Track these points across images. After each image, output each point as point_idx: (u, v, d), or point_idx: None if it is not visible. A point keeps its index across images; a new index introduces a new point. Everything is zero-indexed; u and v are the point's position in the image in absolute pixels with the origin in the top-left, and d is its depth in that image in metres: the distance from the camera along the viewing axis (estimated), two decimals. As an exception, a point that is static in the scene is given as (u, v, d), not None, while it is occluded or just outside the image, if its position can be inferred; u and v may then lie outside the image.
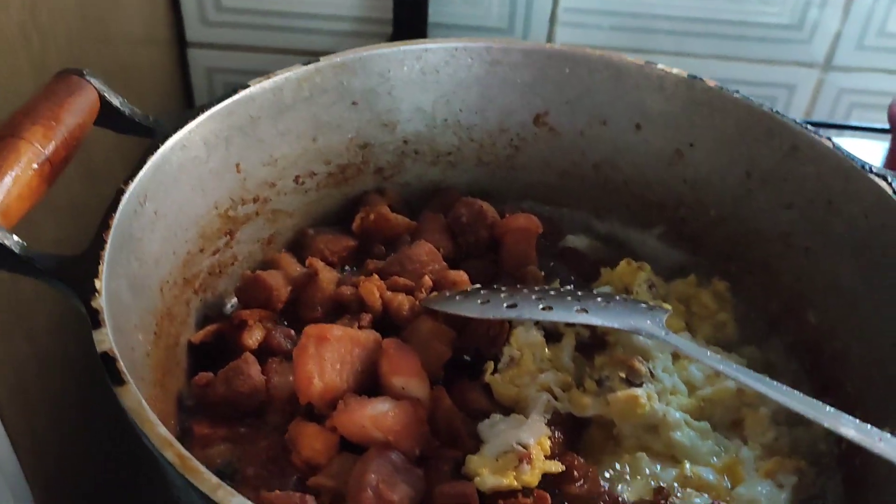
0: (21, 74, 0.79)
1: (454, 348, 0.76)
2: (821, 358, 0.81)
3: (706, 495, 0.71)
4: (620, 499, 0.70)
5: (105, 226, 0.63)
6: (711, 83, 0.86)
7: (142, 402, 0.52)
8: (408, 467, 0.66)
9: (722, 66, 1.22)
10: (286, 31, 1.26)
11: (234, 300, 0.84)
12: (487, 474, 0.67)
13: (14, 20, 0.78)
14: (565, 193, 0.96)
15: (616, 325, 0.71)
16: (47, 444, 0.96)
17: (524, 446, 0.69)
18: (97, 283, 0.59)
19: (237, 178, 0.81)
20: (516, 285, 0.81)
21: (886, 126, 1.04)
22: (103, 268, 0.60)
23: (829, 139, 0.80)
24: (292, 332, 0.79)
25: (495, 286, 0.79)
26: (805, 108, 1.26)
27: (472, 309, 0.73)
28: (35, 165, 0.62)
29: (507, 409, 0.75)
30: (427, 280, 0.81)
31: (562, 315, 0.71)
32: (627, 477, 0.73)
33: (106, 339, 0.55)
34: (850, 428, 0.58)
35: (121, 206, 0.65)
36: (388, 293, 0.79)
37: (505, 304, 0.73)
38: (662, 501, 0.69)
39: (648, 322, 0.71)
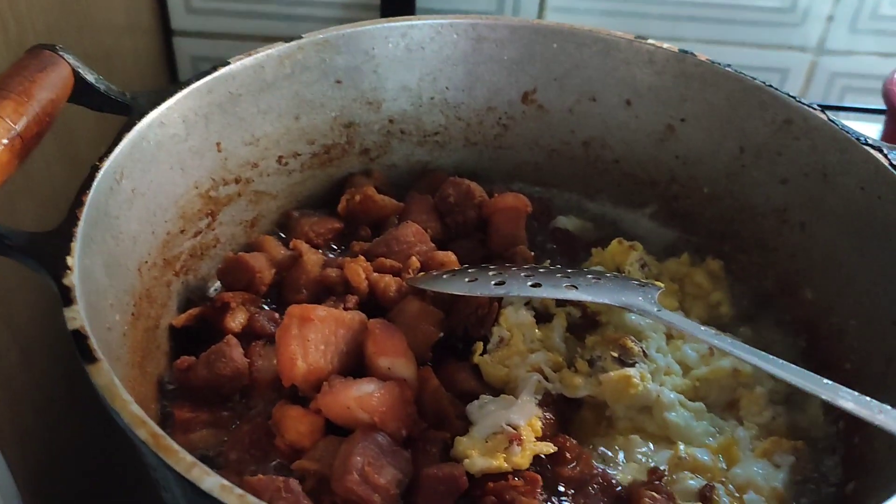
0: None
1: (442, 329, 0.74)
2: (818, 336, 0.79)
3: (701, 477, 0.69)
4: (614, 480, 0.68)
5: (78, 202, 0.61)
6: (703, 57, 0.84)
7: (114, 380, 0.50)
8: (395, 449, 0.64)
9: (714, 51, 1.19)
10: (273, 18, 1.24)
11: (217, 283, 0.82)
12: (477, 456, 0.65)
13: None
14: (555, 173, 0.94)
15: (607, 301, 0.69)
16: (32, 435, 0.95)
17: (514, 427, 0.67)
18: (69, 260, 0.57)
19: (218, 157, 0.79)
20: (505, 265, 0.79)
21: (880, 107, 1.03)
22: (76, 245, 0.58)
23: (824, 111, 0.78)
24: (276, 314, 0.77)
25: (483, 265, 0.77)
26: (798, 92, 1.25)
27: (459, 287, 0.71)
28: (5, 140, 0.60)
29: (497, 390, 0.73)
30: (414, 261, 0.79)
31: (551, 292, 0.70)
32: (621, 458, 0.71)
33: (77, 316, 0.53)
34: (849, 401, 0.57)
35: (95, 183, 0.63)
36: (375, 274, 0.78)
37: (493, 282, 0.71)
38: (657, 482, 0.68)
39: (640, 298, 0.69)
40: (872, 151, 0.74)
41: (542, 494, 0.65)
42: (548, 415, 0.70)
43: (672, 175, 0.89)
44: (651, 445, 0.72)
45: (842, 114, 1.20)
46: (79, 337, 0.52)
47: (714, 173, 0.86)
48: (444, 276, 0.75)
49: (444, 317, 0.75)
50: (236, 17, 1.26)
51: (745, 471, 0.70)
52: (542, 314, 0.79)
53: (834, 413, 0.74)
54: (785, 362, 0.61)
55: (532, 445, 0.67)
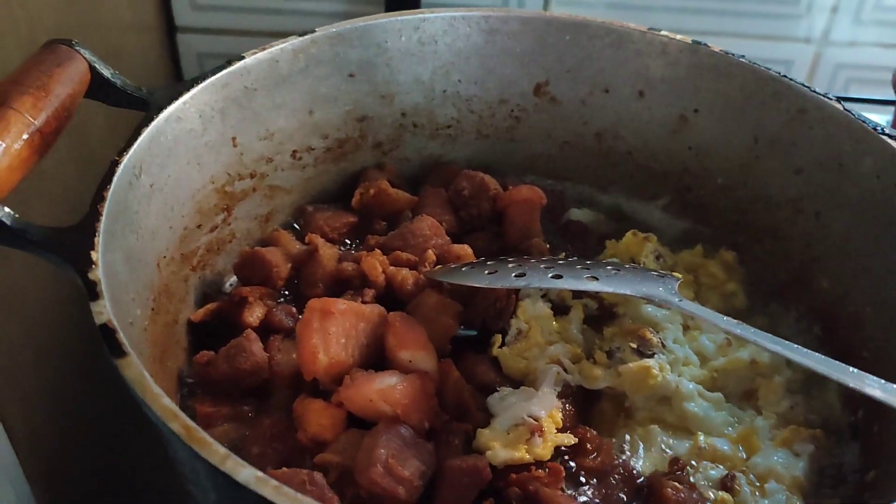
0: (9, 60, 0.77)
1: (461, 322, 0.74)
2: (834, 325, 0.79)
3: (721, 466, 0.70)
4: (635, 471, 0.68)
5: (100, 197, 0.61)
6: (716, 48, 0.84)
7: (144, 374, 0.50)
8: (417, 441, 0.64)
9: (718, 43, 1.19)
10: (278, 13, 1.24)
11: (234, 278, 0.82)
12: (499, 448, 0.65)
13: (0, 5, 0.76)
14: (567, 166, 0.94)
15: (628, 292, 0.69)
16: (44, 434, 0.94)
17: (535, 419, 0.67)
18: (93, 255, 0.56)
19: (233, 152, 0.79)
20: (524, 257, 0.79)
21: (885, 97, 1.03)
22: (99, 240, 0.58)
23: (839, 100, 0.78)
24: (293, 309, 0.77)
25: (502, 258, 0.77)
26: (802, 83, 1.25)
27: (479, 279, 0.71)
28: (25, 136, 0.59)
29: (516, 382, 0.73)
30: (430, 254, 0.79)
31: (572, 283, 0.69)
32: (641, 449, 0.71)
33: (104, 310, 0.53)
34: (876, 388, 0.57)
35: (115, 178, 0.63)
36: (391, 268, 0.77)
37: (513, 274, 0.71)
38: (678, 472, 0.68)
39: (660, 289, 0.69)
40: (888, 140, 0.74)
41: (564, 485, 0.65)
42: (568, 406, 0.71)
43: (685, 166, 0.89)
44: (671, 436, 0.72)
45: (846, 105, 1.22)
46: (107, 331, 0.52)
47: (728, 164, 0.86)
48: (464, 269, 0.74)
49: (462, 309, 0.74)
50: (241, 13, 1.25)
51: (766, 460, 0.70)
52: (559, 306, 0.79)
53: (853, 402, 0.75)
54: (808, 350, 0.61)
55: (553, 437, 0.67)
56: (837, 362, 0.60)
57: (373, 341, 0.69)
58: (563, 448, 0.67)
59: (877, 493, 0.66)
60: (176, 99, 0.72)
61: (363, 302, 0.74)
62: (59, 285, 0.96)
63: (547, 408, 0.68)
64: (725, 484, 0.67)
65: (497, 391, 0.71)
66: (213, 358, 0.72)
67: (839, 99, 0.79)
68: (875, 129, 0.75)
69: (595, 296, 0.79)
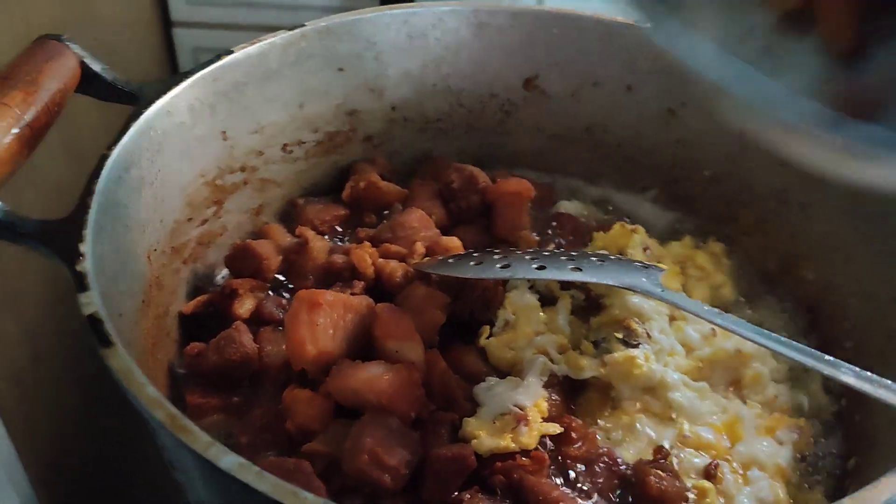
0: (2, 55, 0.78)
1: (448, 313, 0.75)
2: (819, 315, 0.80)
3: (705, 454, 0.70)
4: (619, 459, 0.69)
5: (89, 191, 0.62)
6: (703, 41, 0.84)
7: (130, 364, 0.51)
8: (404, 431, 0.65)
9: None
10: (274, 7, 1.24)
11: (225, 271, 0.83)
12: (485, 436, 0.66)
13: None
14: (557, 159, 0.95)
15: (611, 283, 0.70)
16: (43, 431, 0.96)
17: (521, 408, 0.68)
18: (82, 247, 0.57)
19: (224, 145, 0.80)
20: (510, 249, 0.80)
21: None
22: (88, 232, 0.59)
23: (823, 93, 0.78)
24: (283, 301, 0.78)
25: (488, 249, 0.78)
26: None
27: (465, 270, 0.72)
28: (15, 130, 0.60)
29: (503, 372, 0.74)
30: (419, 247, 0.80)
31: (556, 274, 0.70)
32: (626, 438, 0.72)
33: (92, 301, 0.54)
34: (850, 376, 0.58)
35: (104, 172, 0.64)
36: (381, 260, 0.78)
37: (498, 265, 0.72)
38: (662, 461, 0.69)
39: (644, 279, 0.70)
40: (871, 131, 0.74)
41: (549, 473, 0.66)
42: (554, 396, 0.71)
43: (673, 158, 0.90)
44: (656, 425, 0.72)
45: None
46: (94, 321, 0.53)
47: (715, 156, 0.87)
48: (450, 261, 0.75)
49: (450, 301, 0.75)
50: (236, 7, 1.26)
51: (749, 448, 0.71)
52: (547, 298, 0.80)
53: (835, 392, 0.75)
54: (786, 339, 0.62)
55: (539, 426, 0.68)
56: (813, 350, 0.60)
57: (360, 332, 0.70)
58: (548, 437, 0.68)
59: (857, 481, 0.67)
60: (165, 93, 0.72)
61: (352, 294, 0.75)
62: (56, 283, 0.97)
63: (533, 397, 0.69)
64: (709, 472, 0.68)
65: (484, 381, 0.72)
66: (203, 349, 0.73)
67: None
68: (858, 121, 0.75)
69: (582, 287, 0.80)
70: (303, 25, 0.82)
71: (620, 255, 0.84)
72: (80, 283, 0.55)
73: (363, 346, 0.70)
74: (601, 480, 0.68)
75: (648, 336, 0.76)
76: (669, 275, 0.82)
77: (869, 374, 0.58)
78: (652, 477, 0.66)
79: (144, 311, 0.69)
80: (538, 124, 0.93)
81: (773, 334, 0.63)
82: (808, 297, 0.82)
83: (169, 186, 0.74)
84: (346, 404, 0.66)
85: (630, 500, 0.67)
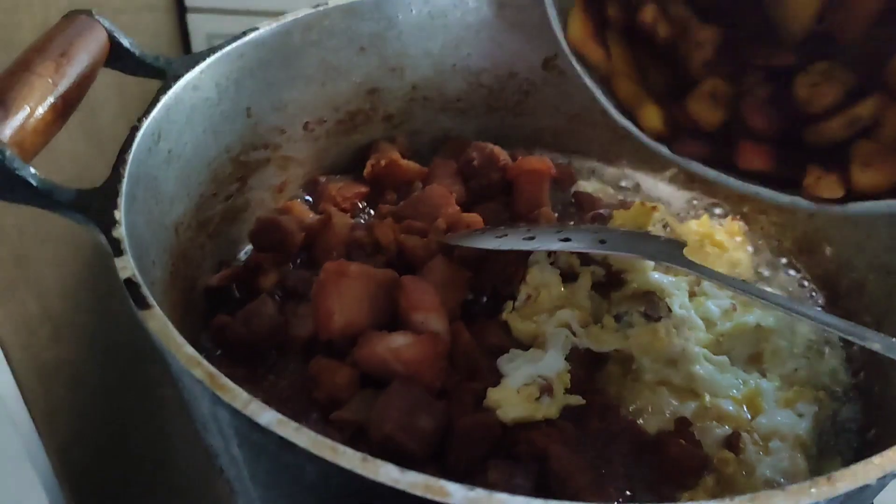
0: (23, 39, 0.79)
1: (470, 289, 0.76)
2: (837, 292, 0.81)
3: (727, 426, 0.71)
4: (640, 430, 0.70)
5: (122, 160, 0.63)
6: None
7: (168, 325, 0.52)
8: (430, 400, 0.66)
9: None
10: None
11: (248, 247, 0.84)
12: (509, 406, 0.67)
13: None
14: (575, 139, 0.96)
15: (636, 255, 0.71)
16: (63, 408, 0.96)
17: (545, 379, 0.69)
18: (116, 214, 0.58)
19: (248, 122, 0.80)
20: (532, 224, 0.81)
21: None
22: (121, 200, 0.60)
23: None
24: (308, 274, 0.78)
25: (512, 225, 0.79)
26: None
27: (489, 242, 0.73)
28: (50, 99, 0.61)
29: (526, 345, 0.74)
30: (441, 222, 0.80)
31: (580, 246, 0.71)
32: (648, 410, 0.73)
33: (128, 265, 0.55)
34: (876, 342, 0.58)
35: (135, 143, 0.65)
36: (403, 235, 0.79)
37: (523, 237, 0.72)
38: (684, 431, 0.69)
39: (668, 251, 0.71)
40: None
41: (572, 443, 0.67)
42: (576, 368, 0.72)
43: (691, 137, 0.90)
44: (677, 397, 0.73)
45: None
46: (131, 285, 0.54)
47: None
48: (474, 233, 0.76)
49: (473, 276, 0.76)
50: (250, -7, 1.27)
51: (770, 420, 0.71)
52: (568, 273, 0.80)
53: (855, 364, 0.76)
54: (812, 307, 0.63)
55: (562, 397, 0.68)
56: (837, 318, 0.61)
57: (386, 304, 0.71)
58: (571, 408, 0.69)
59: (877, 451, 0.67)
60: (193, 68, 0.73)
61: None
62: (75, 259, 0.98)
63: (556, 369, 0.70)
64: (731, 442, 0.69)
65: (507, 353, 0.72)
66: (229, 322, 0.73)
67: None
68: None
69: (603, 262, 0.80)
70: (326, 4, 0.83)
71: (641, 231, 0.85)
72: (117, 249, 0.56)
73: (388, 317, 0.71)
74: (623, 450, 0.68)
75: (669, 311, 0.77)
76: (688, 251, 0.83)
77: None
78: (674, 447, 0.67)
79: (173, 283, 0.70)
80: (557, 104, 0.94)
81: (797, 302, 0.63)
82: (827, 274, 0.82)
83: (195, 160, 0.75)
84: (372, 374, 0.67)
85: (652, 470, 0.67)
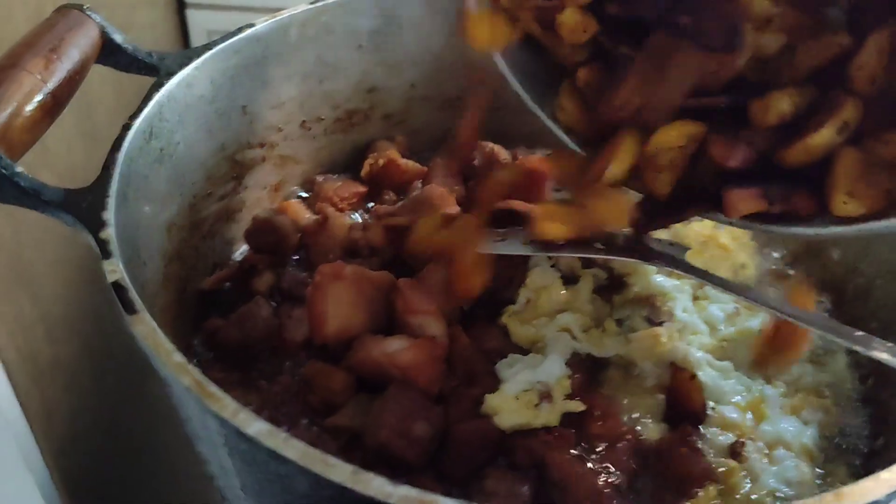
0: (17, 32, 0.78)
1: (469, 291, 0.74)
2: (843, 296, 0.79)
3: (730, 433, 0.70)
4: (642, 437, 0.68)
5: (112, 160, 0.61)
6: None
7: (156, 330, 0.50)
8: (427, 405, 0.64)
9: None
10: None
11: (243, 248, 0.82)
12: (507, 412, 0.66)
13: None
14: (577, 138, 0.94)
15: (638, 259, 0.69)
16: (57, 410, 0.95)
17: (544, 385, 0.67)
18: (105, 215, 0.57)
19: (243, 120, 0.79)
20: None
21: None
22: (110, 201, 0.58)
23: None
24: (304, 276, 0.77)
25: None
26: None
27: (488, 245, 0.71)
28: (38, 97, 0.60)
29: (525, 350, 0.73)
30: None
31: (582, 249, 0.69)
32: (649, 416, 0.71)
33: (116, 268, 0.54)
34: (883, 351, 0.57)
35: (126, 142, 0.63)
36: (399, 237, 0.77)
37: (522, 241, 0.71)
38: (686, 439, 0.68)
39: (670, 255, 0.69)
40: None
41: (571, 450, 0.65)
42: (576, 374, 0.71)
43: (696, 138, 0.89)
44: (679, 404, 0.72)
45: None
46: (119, 289, 0.52)
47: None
48: (474, 235, 0.74)
49: (472, 278, 0.75)
50: (249, -12, 1.25)
51: (774, 427, 0.70)
52: (569, 277, 0.79)
53: (862, 372, 0.75)
54: (817, 314, 0.61)
55: (562, 403, 0.67)
56: (844, 326, 0.60)
57: (382, 307, 0.70)
58: (571, 414, 0.67)
59: (885, 459, 0.66)
60: (186, 65, 0.72)
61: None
62: (70, 260, 0.97)
63: (555, 374, 0.68)
64: (734, 450, 0.67)
65: (506, 358, 0.71)
66: (223, 325, 0.72)
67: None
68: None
69: (604, 265, 0.79)
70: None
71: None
72: (104, 251, 0.55)
73: (384, 320, 0.70)
74: (624, 458, 0.67)
75: (671, 315, 0.75)
76: (692, 254, 0.82)
77: (902, 349, 0.57)
78: (676, 455, 0.65)
79: (165, 285, 0.68)
80: (558, 103, 0.92)
81: (801, 310, 0.62)
82: (833, 278, 0.81)
83: (189, 160, 0.73)
84: (368, 378, 0.66)
85: (653, 479, 0.66)
